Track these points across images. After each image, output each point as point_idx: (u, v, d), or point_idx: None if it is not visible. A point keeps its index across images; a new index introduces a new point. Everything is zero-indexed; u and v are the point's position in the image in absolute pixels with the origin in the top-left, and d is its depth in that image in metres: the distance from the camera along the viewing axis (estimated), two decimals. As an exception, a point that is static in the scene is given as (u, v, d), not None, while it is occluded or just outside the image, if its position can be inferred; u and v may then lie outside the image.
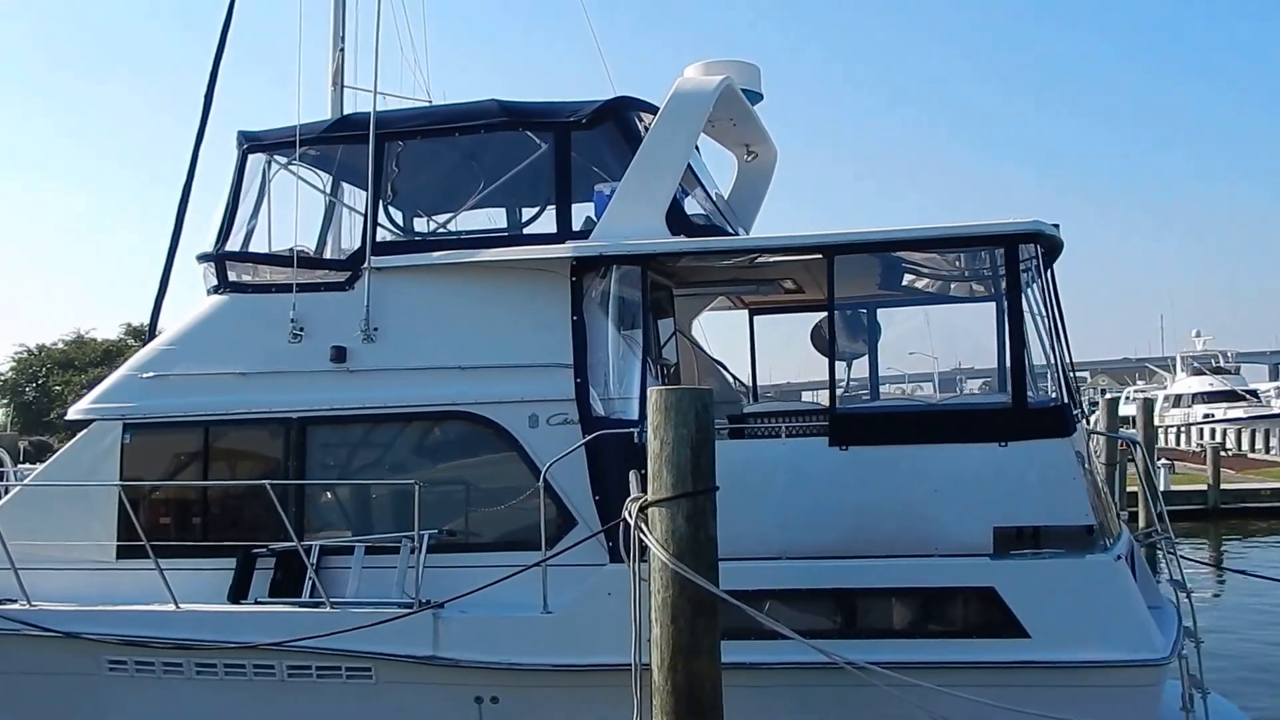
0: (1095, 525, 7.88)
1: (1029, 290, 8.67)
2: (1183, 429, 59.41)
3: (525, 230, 10.05)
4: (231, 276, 9.81)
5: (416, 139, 9.73)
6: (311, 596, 8.67)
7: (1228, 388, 63.09)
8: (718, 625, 6.09)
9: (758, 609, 6.29)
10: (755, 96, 10.50)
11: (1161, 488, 30.63)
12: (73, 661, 9.01)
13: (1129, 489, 28.60)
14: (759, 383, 12.02)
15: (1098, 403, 31.75)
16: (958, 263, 9.69)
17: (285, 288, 9.35)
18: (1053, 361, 8.34)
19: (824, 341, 10.76)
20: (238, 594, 8.92)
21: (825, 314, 10.64)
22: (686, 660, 6.03)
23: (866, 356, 11.05)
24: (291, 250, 9.59)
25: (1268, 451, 48.24)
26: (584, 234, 9.01)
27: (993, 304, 9.24)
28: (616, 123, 9.26)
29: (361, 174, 9.58)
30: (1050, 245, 8.62)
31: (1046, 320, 8.68)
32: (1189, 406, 63.43)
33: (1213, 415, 59.15)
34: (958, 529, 7.78)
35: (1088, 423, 9.86)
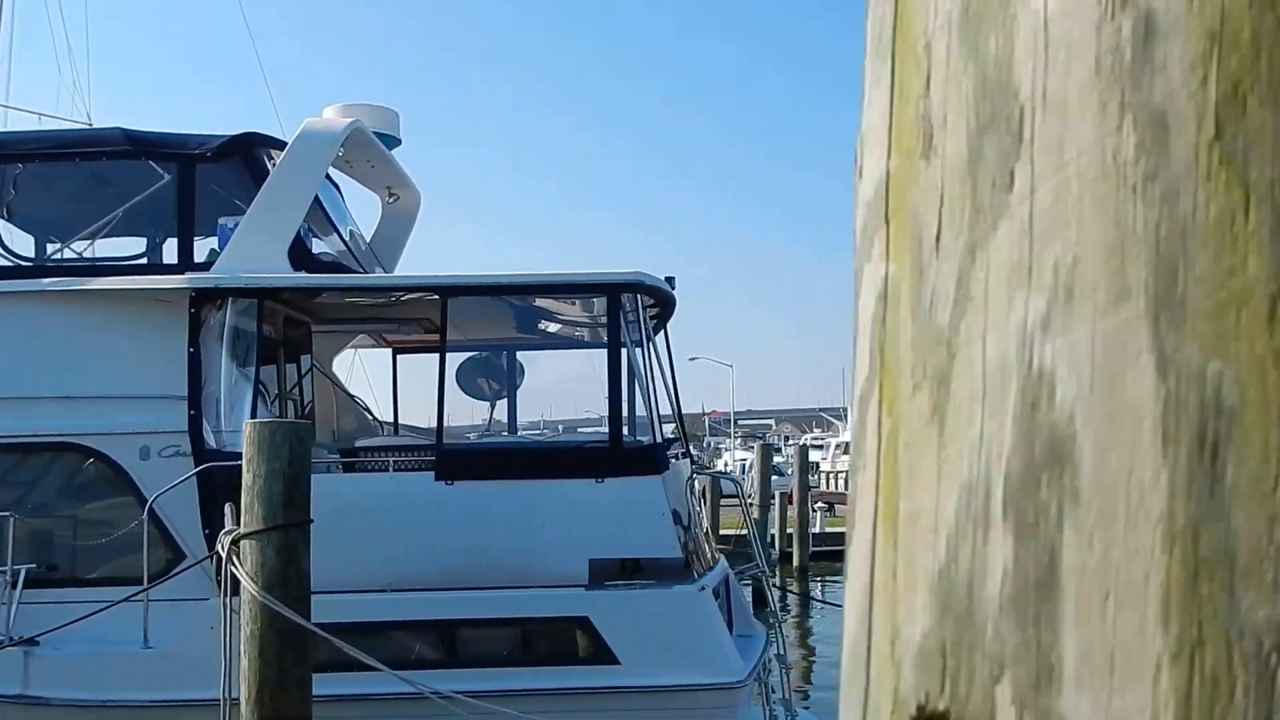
0: (684, 558, 8.49)
1: (656, 338, 9.27)
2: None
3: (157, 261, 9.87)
4: None
5: (35, 162, 9.44)
6: None
7: (893, 437, 68.13)
8: (308, 658, 6.15)
9: (359, 642, 6.41)
10: (393, 141, 10.75)
11: (816, 529, 32.81)
12: None
13: (788, 530, 30.59)
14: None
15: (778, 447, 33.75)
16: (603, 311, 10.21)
17: None
18: (652, 407, 8.92)
19: (470, 381, 11.11)
20: None
21: (468, 355, 11.04)
22: (274, 693, 6.06)
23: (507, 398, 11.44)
24: None
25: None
26: (208, 266, 8.98)
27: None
28: (243, 158, 9.31)
29: None
30: (660, 297, 9.26)
31: (659, 367, 9.33)
32: (857, 454, 68.03)
33: (879, 463, 63.71)
34: (556, 561, 8.19)
35: (693, 463, 10.57)
